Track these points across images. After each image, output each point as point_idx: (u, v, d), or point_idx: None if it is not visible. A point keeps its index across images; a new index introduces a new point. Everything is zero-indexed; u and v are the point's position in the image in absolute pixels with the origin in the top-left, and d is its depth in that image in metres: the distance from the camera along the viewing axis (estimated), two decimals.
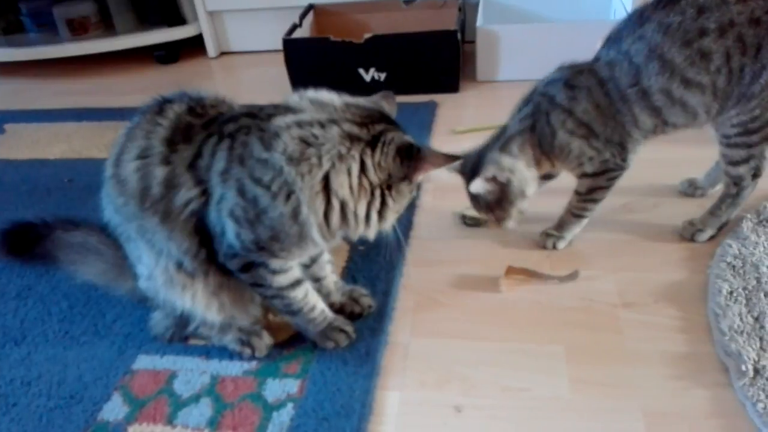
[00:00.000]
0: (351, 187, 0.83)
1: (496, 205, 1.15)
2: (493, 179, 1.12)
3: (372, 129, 0.84)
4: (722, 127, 1.09)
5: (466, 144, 1.27)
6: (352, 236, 0.89)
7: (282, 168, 0.80)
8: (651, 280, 1.10)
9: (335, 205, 0.84)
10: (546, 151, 1.14)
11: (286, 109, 0.85)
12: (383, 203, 0.86)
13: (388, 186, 0.85)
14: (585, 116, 1.10)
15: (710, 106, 1.06)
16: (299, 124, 0.82)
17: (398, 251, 1.23)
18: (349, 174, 0.82)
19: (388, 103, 0.92)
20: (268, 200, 0.82)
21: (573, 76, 1.11)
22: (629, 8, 1.81)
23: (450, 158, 0.87)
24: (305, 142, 0.81)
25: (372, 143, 0.83)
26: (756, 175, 1.12)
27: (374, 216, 0.86)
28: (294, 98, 0.87)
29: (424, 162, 0.85)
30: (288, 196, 0.82)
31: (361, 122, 0.84)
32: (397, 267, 1.19)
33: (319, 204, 0.83)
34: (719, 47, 1.01)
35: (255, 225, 0.84)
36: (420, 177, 0.87)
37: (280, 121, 0.83)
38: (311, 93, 0.88)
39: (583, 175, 1.16)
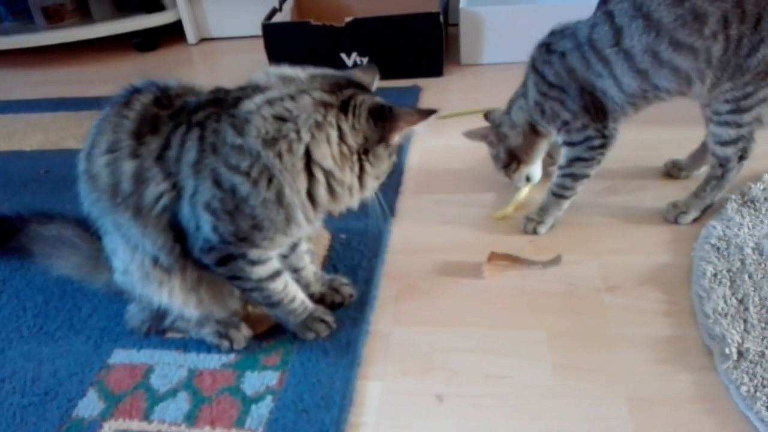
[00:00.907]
0: (333, 156, 0.81)
1: (502, 159, 1.26)
2: (485, 137, 1.26)
3: (341, 94, 0.82)
4: (715, 103, 1.06)
5: (450, 128, 1.26)
6: (337, 210, 0.87)
7: (259, 152, 0.78)
8: (635, 263, 1.09)
9: (320, 178, 0.82)
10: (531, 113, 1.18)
11: (254, 89, 0.82)
12: (362, 169, 0.84)
13: (365, 150, 0.83)
14: (556, 79, 1.10)
15: (704, 74, 1.02)
16: (270, 102, 0.80)
17: (384, 221, 1.23)
18: (329, 142, 0.80)
19: (366, 75, 0.90)
20: (249, 187, 0.79)
21: (554, 39, 1.12)
22: None
23: (424, 113, 0.84)
24: (280, 118, 0.79)
25: (343, 108, 0.81)
26: (743, 157, 1.10)
27: (356, 183, 0.84)
28: (259, 76, 0.85)
29: (397, 121, 0.83)
30: (270, 180, 0.79)
31: (330, 89, 0.82)
32: (379, 255, 1.17)
33: (302, 182, 0.81)
34: (716, 10, 0.96)
35: (235, 215, 0.82)
36: (396, 137, 0.84)
37: (249, 104, 0.80)
38: (275, 69, 0.85)
39: (564, 144, 1.15)
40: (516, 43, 1.86)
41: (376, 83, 0.91)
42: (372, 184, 0.87)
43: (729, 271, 1.03)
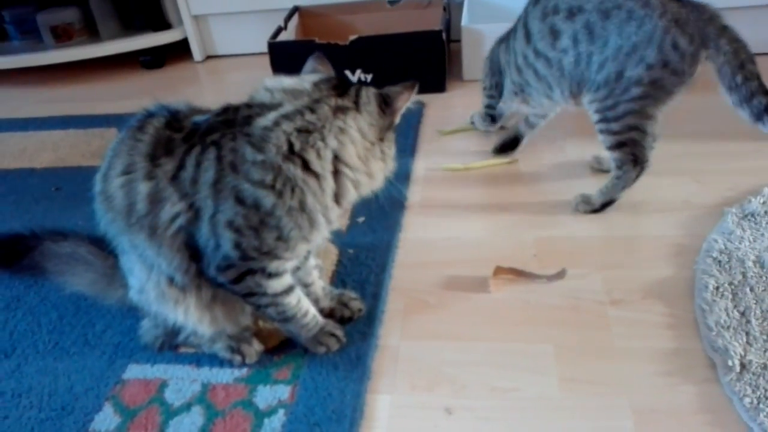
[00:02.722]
0: (359, 155, 0.87)
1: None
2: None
3: (351, 95, 0.88)
4: (589, 112, 1.23)
5: (453, 144, 1.28)
6: (357, 198, 0.93)
7: (280, 165, 0.82)
8: (638, 276, 1.11)
9: (350, 175, 0.88)
10: None
11: (261, 107, 0.85)
12: (383, 153, 0.92)
13: (380, 139, 0.90)
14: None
15: (560, 82, 1.23)
16: (287, 117, 0.83)
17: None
18: (354, 143, 0.86)
19: (324, 67, 0.97)
20: (274, 199, 0.83)
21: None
22: None
23: (410, 87, 0.91)
24: (305, 131, 0.83)
25: (358, 107, 0.88)
26: (637, 161, 1.21)
27: (380, 168, 0.92)
28: (262, 94, 0.88)
29: (397, 102, 0.90)
30: (293, 190, 0.83)
31: (340, 93, 0.88)
32: (386, 269, 1.19)
33: (329, 185, 0.86)
34: (567, 28, 1.17)
35: (259, 230, 0.85)
36: (398, 117, 0.92)
37: (263, 121, 0.83)
38: (273, 83, 0.89)
39: None
40: None
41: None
42: (391, 165, 0.94)
43: (731, 284, 1.05)
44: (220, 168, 0.83)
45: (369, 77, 1.90)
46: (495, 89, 1.50)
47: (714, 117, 1.58)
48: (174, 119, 0.90)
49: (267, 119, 0.83)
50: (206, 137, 0.86)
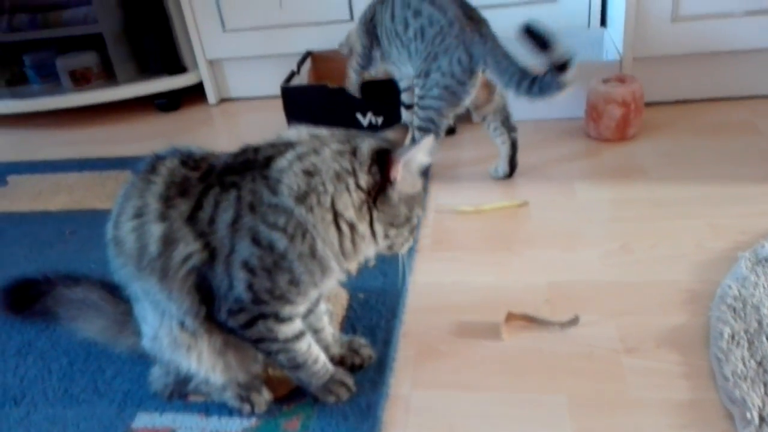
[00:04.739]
0: (353, 205, 0.85)
1: None
2: None
3: (352, 142, 0.87)
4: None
5: (463, 185, 1.27)
6: (358, 261, 0.91)
7: (292, 210, 0.82)
8: (652, 323, 1.10)
9: (345, 231, 0.86)
10: None
11: (286, 145, 0.86)
12: (371, 216, 0.87)
13: (374, 196, 0.86)
14: None
15: (412, 60, 1.57)
16: (299, 158, 0.84)
17: (402, 283, 1.25)
18: (348, 190, 0.84)
19: (397, 133, 0.94)
20: (287, 242, 0.83)
21: None
22: (620, 47, 1.84)
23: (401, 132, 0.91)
24: (308, 173, 0.83)
25: (354, 153, 0.86)
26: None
27: (368, 232, 0.88)
28: (291, 132, 0.89)
29: (392, 155, 0.85)
30: (303, 235, 0.83)
31: (344, 139, 0.87)
32: (397, 315, 1.18)
33: (333, 234, 0.85)
34: (414, 23, 1.52)
35: (273, 272, 0.85)
36: (397, 174, 0.86)
37: (281, 161, 0.84)
38: (307, 128, 0.90)
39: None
40: (522, 103, 1.91)
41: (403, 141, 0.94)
42: (387, 232, 0.89)
43: (746, 332, 1.03)
44: (238, 208, 0.84)
45: (380, 120, 1.92)
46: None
47: (725, 160, 1.59)
48: (188, 158, 0.91)
49: (285, 159, 0.84)
50: (225, 177, 0.87)
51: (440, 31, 1.46)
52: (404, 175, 0.86)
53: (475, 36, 1.44)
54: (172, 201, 0.86)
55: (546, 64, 1.34)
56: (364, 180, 0.85)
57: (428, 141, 0.86)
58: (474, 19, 1.47)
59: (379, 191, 0.86)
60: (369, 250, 0.91)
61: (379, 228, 0.88)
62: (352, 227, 0.86)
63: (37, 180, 1.98)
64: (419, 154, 0.86)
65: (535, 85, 1.38)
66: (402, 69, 1.68)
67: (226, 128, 2.28)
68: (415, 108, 1.58)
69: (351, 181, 0.84)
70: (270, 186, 0.83)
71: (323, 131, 0.89)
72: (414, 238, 0.94)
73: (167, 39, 2.36)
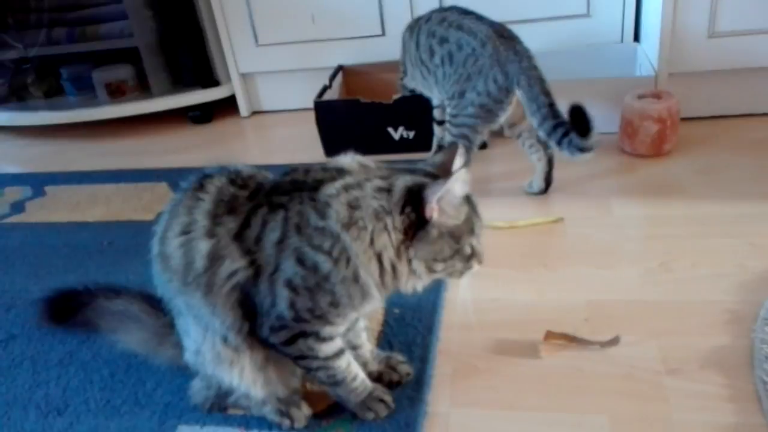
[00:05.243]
0: (392, 245, 0.84)
1: None
2: None
3: (392, 178, 0.85)
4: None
5: (497, 200, 1.26)
6: (408, 291, 0.90)
7: (339, 235, 0.83)
8: (694, 344, 1.08)
9: (387, 267, 0.85)
10: None
11: (339, 171, 0.87)
12: (407, 255, 0.85)
13: (412, 234, 0.84)
14: None
15: (439, 84, 1.61)
16: (346, 188, 0.84)
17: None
18: (387, 229, 0.83)
19: (447, 156, 0.91)
20: (330, 266, 0.83)
21: None
22: (654, 62, 1.83)
23: (447, 175, 0.84)
24: (351, 206, 0.83)
25: (389, 190, 0.84)
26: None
27: (405, 270, 0.86)
28: (346, 159, 0.90)
29: (423, 193, 0.82)
30: (348, 261, 0.83)
31: (386, 175, 0.86)
32: (434, 331, 1.18)
33: (375, 267, 0.85)
34: (440, 50, 1.56)
35: (315, 292, 0.85)
36: (433, 212, 0.82)
37: (330, 188, 0.84)
38: (360, 157, 0.90)
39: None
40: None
41: (458, 163, 0.90)
42: (432, 267, 0.87)
43: None
44: (285, 229, 0.85)
45: (411, 134, 1.93)
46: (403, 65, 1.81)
47: (763, 178, 1.56)
48: (237, 176, 0.92)
49: (333, 187, 0.84)
50: (273, 197, 0.88)
51: (472, 53, 1.49)
52: (442, 211, 0.83)
53: (509, 54, 1.45)
54: (221, 218, 0.88)
55: (574, 133, 1.39)
56: (399, 220, 0.83)
57: (462, 173, 0.83)
58: (506, 37, 1.49)
59: (417, 230, 0.84)
60: (415, 284, 0.89)
61: (419, 266, 0.86)
62: (392, 265, 0.85)
63: (74, 191, 2.01)
64: (455, 186, 0.82)
65: (556, 132, 1.41)
66: (425, 93, 1.74)
67: (258, 141, 2.31)
68: (447, 125, 1.60)
69: (389, 221, 0.83)
70: (318, 209, 0.84)
71: (371, 163, 0.89)
72: (476, 265, 0.91)
73: (201, 53, 2.40)
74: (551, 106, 1.42)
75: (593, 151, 1.39)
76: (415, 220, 0.84)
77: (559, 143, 1.42)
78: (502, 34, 1.49)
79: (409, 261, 0.86)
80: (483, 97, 1.48)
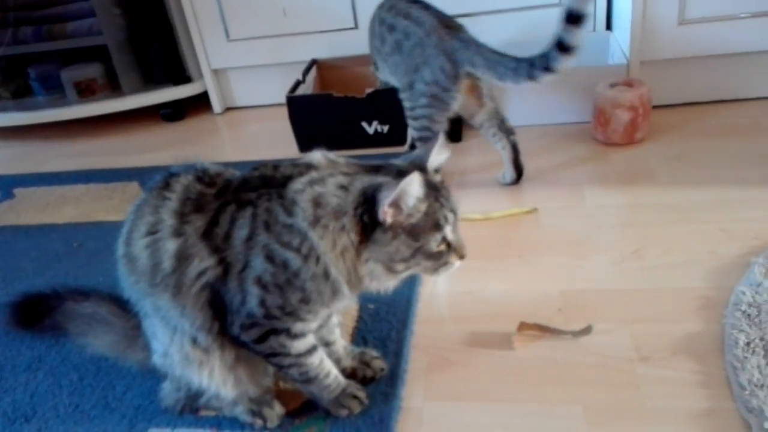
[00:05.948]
0: (352, 245, 0.82)
1: None
2: None
3: (354, 176, 0.83)
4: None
5: (471, 193, 1.25)
6: (377, 290, 0.88)
7: (306, 232, 0.81)
8: (666, 331, 1.08)
9: (350, 266, 0.84)
10: None
11: (307, 167, 0.86)
12: (359, 256, 0.83)
13: (365, 237, 0.82)
14: None
15: (393, 74, 1.63)
16: (311, 183, 0.83)
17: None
18: (345, 230, 0.81)
19: (423, 150, 0.88)
20: (300, 262, 0.82)
21: None
22: (626, 51, 1.84)
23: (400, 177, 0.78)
24: (316, 202, 0.82)
25: (348, 189, 0.82)
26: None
27: (363, 271, 0.84)
28: (316, 155, 0.88)
29: (376, 196, 0.79)
30: (317, 258, 0.82)
31: (351, 172, 0.84)
32: (408, 326, 1.17)
33: (342, 266, 0.83)
34: (390, 38, 1.57)
35: (285, 289, 0.84)
36: (386, 213, 0.79)
37: (296, 184, 0.83)
38: (327, 153, 0.88)
39: None
40: (531, 106, 1.91)
41: (437, 158, 0.88)
42: (392, 268, 0.84)
43: (762, 339, 1.02)
44: (254, 226, 0.83)
45: (386, 128, 1.92)
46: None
47: (734, 163, 1.57)
48: (204, 174, 0.91)
49: (300, 182, 0.83)
50: (241, 194, 0.86)
51: (419, 43, 1.48)
52: (398, 212, 0.80)
53: (454, 42, 1.44)
54: (188, 217, 0.86)
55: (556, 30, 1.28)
56: (353, 222, 0.81)
57: (414, 176, 0.77)
58: (451, 27, 1.48)
59: (372, 232, 0.81)
60: (379, 284, 0.87)
61: (376, 267, 0.83)
62: (354, 265, 0.84)
63: (44, 192, 1.98)
64: (409, 188, 0.78)
65: (535, 64, 1.34)
66: (389, 81, 1.74)
67: (232, 137, 2.28)
68: (408, 121, 1.59)
69: (346, 221, 0.81)
70: (285, 206, 0.82)
71: (340, 159, 0.88)
72: (455, 260, 0.90)
73: (171, 49, 2.36)
74: (515, 57, 1.38)
75: (556, 73, 1.32)
76: (369, 222, 0.81)
77: (547, 66, 1.31)
78: (448, 24, 1.49)
79: (366, 262, 0.84)
80: (432, 86, 1.48)
